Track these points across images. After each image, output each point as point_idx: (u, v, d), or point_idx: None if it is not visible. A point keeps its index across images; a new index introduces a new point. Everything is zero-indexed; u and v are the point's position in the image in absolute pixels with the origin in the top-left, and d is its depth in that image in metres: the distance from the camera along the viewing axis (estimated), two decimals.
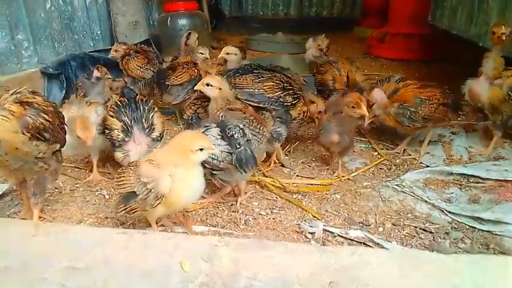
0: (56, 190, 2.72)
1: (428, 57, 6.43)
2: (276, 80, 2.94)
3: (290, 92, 2.93)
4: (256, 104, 2.84)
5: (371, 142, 3.48)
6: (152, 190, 1.87)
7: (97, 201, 2.59)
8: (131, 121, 2.52)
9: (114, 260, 1.60)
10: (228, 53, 3.75)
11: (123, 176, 2.03)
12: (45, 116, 2.07)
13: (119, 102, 2.62)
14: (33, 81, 4.15)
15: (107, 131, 2.56)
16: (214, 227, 2.32)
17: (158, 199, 1.87)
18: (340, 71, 3.77)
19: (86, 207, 2.53)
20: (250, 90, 2.89)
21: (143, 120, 2.55)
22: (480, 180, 2.77)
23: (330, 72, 3.80)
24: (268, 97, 2.88)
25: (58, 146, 2.21)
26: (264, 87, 2.89)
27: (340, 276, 1.48)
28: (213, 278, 1.49)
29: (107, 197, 2.64)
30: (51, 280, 1.53)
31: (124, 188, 1.99)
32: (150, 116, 2.59)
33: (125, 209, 1.99)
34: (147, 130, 2.54)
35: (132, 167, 2.04)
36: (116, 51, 4.34)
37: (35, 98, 2.09)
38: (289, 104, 2.92)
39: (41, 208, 2.44)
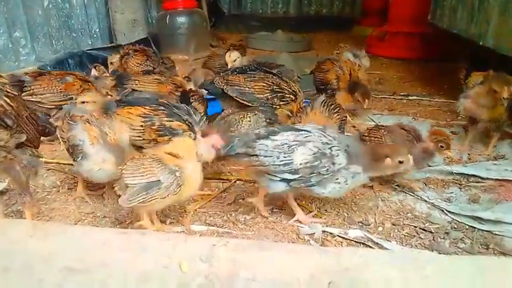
0: (54, 189, 2.71)
1: (428, 56, 6.43)
2: (268, 81, 3.05)
3: (279, 95, 3.02)
4: (245, 102, 2.96)
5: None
6: (179, 178, 2.04)
7: (95, 200, 2.58)
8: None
9: (112, 261, 1.58)
10: (234, 60, 3.87)
11: (143, 166, 2.05)
12: (6, 99, 1.95)
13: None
14: None
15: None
16: (213, 226, 2.31)
17: (179, 187, 2.04)
18: (343, 69, 3.77)
19: (84, 206, 2.51)
20: (241, 88, 3.03)
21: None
22: (480, 180, 2.76)
23: (333, 71, 3.79)
24: (257, 97, 2.99)
25: (24, 137, 2.08)
26: (254, 87, 3.03)
27: (340, 278, 1.47)
28: (212, 279, 1.48)
29: (104, 196, 2.63)
30: (49, 281, 1.51)
31: (145, 177, 2.02)
32: None
33: (144, 198, 2.00)
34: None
35: (148, 158, 2.09)
36: (111, 63, 4.32)
37: (1, 78, 2.00)
38: (277, 106, 3.00)
39: (37, 207, 2.45)
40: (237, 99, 3.01)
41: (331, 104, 2.93)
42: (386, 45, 6.72)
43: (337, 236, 2.23)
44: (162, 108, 2.60)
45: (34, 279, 1.53)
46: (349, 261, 1.54)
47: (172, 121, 2.54)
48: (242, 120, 2.77)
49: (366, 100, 3.67)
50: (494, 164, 2.97)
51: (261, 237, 2.21)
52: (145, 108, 2.59)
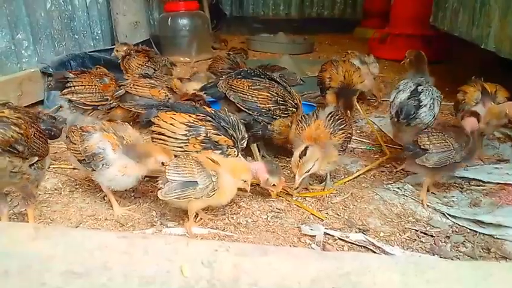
0: (55, 191, 2.71)
1: (430, 58, 6.42)
2: (272, 91, 2.93)
3: (282, 107, 2.93)
4: (246, 110, 2.90)
5: (379, 140, 3.49)
6: (215, 183, 2.16)
7: (97, 203, 2.58)
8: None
9: (113, 264, 1.59)
10: None
11: (184, 165, 2.16)
12: (15, 129, 1.97)
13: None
14: (33, 81, 4.14)
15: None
16: (215, 229, 2.31)
17: (214, 191, 2.17)
18: (338, 69, 3.78)
19: (85, 209, 2.51)
20: (244, 96, 2.93)
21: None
22: (481, 184, 2.76)
23: (329, 70, 3.83)
24: (259, 107, 2.90)
25: (35, 158, 2.12)
26: (258, 96, 2.92)
27: (341, 283, 1.47)
28: (214, 284, 1.48)
29: (106, 198, 2.63)
30: (50, 285, 1.52)
31: (183, 175, 2.13)
32: None
33: (180, 195, 2.11)
34: None
35: (190, 159, 2.21)
36: (117, 51, 4.36)
37: (2, 112, 1.99)
38: (278, 117, 2.93)
39: (38, 209, 2.46)
40: (239, 105, 2.93)
41: (339, 119, 2.66)
42: (387, 47, 6.72)
43: (338, 239, 2.23)
44: (210, 118, 2.55)
45: (35, 283, 1.53)
46: (350, 266, 1.54)
47: (219, 135, 2.50)
48: None
49: (348, 111, 3.50)
50: (496, 167, 2.97)
51: (261, 240, 2.21)
52: (190, 117, 2.53)
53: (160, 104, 2.94)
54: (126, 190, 2.72)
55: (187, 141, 2.46)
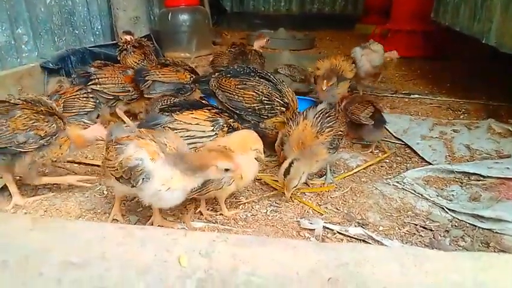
0: (55, 186, 2.71)
1: (431, 54, 6.41)
2: (258, 91, 2.93)
3: (267, 106, 2.92)
4: (233, 110, 2.91)
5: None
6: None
7: (96, 197, 2.58)
8: None
9: (111, 255, 1.59)
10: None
11: None
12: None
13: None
14: (33, 76, 4.14)
15: None
16: (214, 223, 2.31)
17: (232, 179, 2.17)
18: (325, 60, 3.94)
19: (85, 203, 2.51)
20: (230, 95, 2.96)
21: None
22: (481, 178, 2.75)
23: (318, 62, 4.00)
24: (244, 106, 2.93)
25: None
26: (243, 96, 2.93)
27: (340, 273, 1.47)
28: (211, 273, 1.48)
29: (105, 192, 2.63)
30: (48, 275, 1.52)
31: None
32: None
33: (200, 191, 2.12)
34: None
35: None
36: (121, 38, 4.45)
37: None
38: (265, 116, 2.94)
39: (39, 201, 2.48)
40: (226, 105, 2.96)
41: (328, 116, 2.59)
42: (388, 43, 6.69)
43: (338, 233, 2.22)
44: (219, 109, 2.67)
45: (33, 273, 1.53)
46: (349, 257, 1.54)
47: (236, 121, 2.63)
48: None
49: (324, 81, 3.60)
50: (496, 162, 2.95)
51: (261, 234, 2.21)
52: (207, 111, 2.58)
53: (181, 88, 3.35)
54: None
55: (216, 135, 2.48)
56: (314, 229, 2.24)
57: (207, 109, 2.61)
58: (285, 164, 2.42)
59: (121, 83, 3.53)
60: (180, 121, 2.48)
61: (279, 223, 2.31)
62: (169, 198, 1.94)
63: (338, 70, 3.80)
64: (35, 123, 2.32)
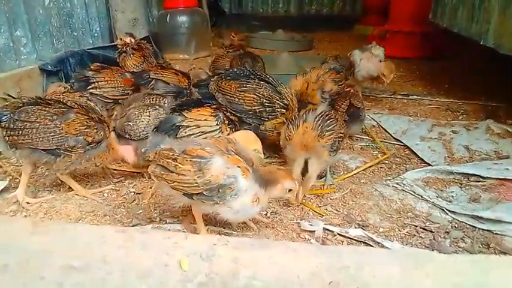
0: (55, 188, 2.71)
1: (429, 55, 6.43)
2: (259, 93, 2.94)
3: (268, 109, 2.94)
4: (234, 112, 2.91)
5: (374, 138, 3.49)
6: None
7: (96, 199, 2.58)
8: None
9: (112, 258, 1.58)
10: None
11: None
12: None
13: None
14: (32, 78, 4.14)
15: None
16: (214, 225, 2.31)
17: None
18: (297, 78, 3.53)
19: (85, 205, 2.51)
20: (231, 98, 2.96)
21: None
22: (480, 179, 2.75)
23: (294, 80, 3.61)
24: (245, 109, 2.93)
25: None
26: (244, 98, 2.94)
27: (340, 276, 1.47)
28: (212, 277, 1.48)
29: (105, 195, 2.63)
30: (49, 279, 1.51)
31: None
32: None
33: None
34: None
35: None
36: (121, 39, 4.40)
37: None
38: (266, 119, 2.96)
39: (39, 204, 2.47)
40: (226, 108, 2.93)
41: (328, 119, 2.56)
42: (387, 44, 6.70)
43: (338, 234, 2.23)
44: (216, 105, 2.79)
45: (34, 277, 1.53)
46: (350, 259, 1.54)
47: (234, 114, 2.77)
48: (141, 115, 2.76)
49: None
50: (495, 163, 2.96)
51: (261, 236, 2.20)
52: (209, 107, 2.70)
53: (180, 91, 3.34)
54: (123, 186, 2.74)
55: (220, 129, 2.61)
56: (314, 231, 2.23)
57: (207, 105, 2.72)
58: (299, 163, 2.37)
59: (120, 86, 3.51)
60: (191, 118, 2.58)
61: (279, 225, 2.31)
62: (252, 214, 1.99)
63: (305, 96, 3.36)
64: (86, 129, 2.36)
